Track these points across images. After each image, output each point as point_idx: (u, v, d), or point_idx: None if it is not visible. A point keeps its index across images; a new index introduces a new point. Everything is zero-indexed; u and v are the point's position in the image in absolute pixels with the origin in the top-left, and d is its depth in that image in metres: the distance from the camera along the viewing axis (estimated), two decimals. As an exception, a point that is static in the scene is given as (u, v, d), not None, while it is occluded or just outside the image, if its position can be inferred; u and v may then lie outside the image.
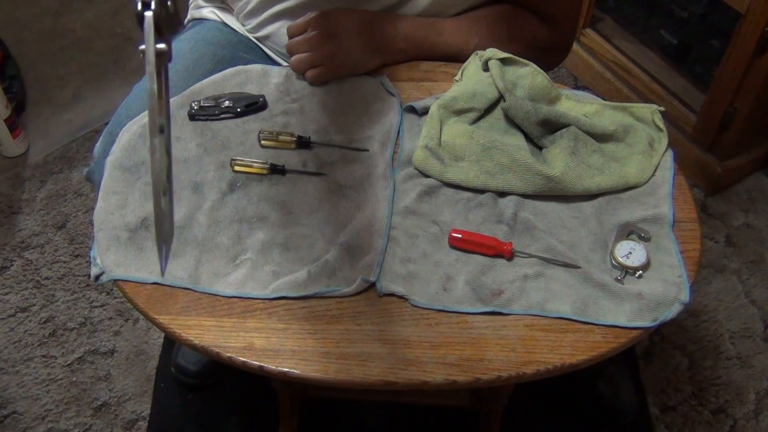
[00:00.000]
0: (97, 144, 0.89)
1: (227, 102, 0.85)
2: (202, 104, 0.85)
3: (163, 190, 0.50)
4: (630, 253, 0.71)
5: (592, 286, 0.69)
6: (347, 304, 0.69)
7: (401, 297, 0.68)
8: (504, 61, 0.85)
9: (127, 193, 0.77)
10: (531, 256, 0.71)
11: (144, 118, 0.85)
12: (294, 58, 0.86)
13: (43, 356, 1.36)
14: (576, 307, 0.67)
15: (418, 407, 1.24)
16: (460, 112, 0.83)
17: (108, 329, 1.39)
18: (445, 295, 0.69)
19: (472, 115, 0.83)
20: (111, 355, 1.35)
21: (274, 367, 0.64)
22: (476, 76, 0.86)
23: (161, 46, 0.50)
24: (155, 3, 0.49)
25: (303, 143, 0.82)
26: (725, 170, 1.57)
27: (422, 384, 0.63)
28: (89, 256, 0.75)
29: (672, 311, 0.67)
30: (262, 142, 0.82)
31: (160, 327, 0.68)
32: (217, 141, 0.83)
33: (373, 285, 0.70)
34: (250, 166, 0.79)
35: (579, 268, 0.70)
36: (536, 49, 0.92)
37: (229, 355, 0.65)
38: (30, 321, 1.40)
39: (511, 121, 0.82)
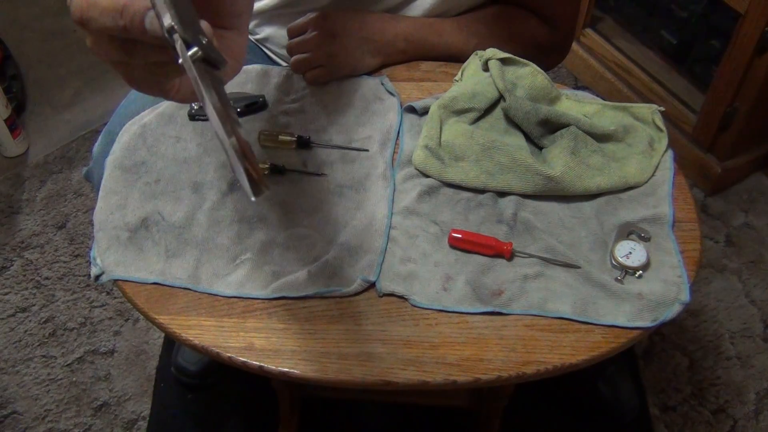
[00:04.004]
0: (96, 144, 0.89)
1: None
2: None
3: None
4: (630, 253, 0.71)
5: (592, 286, 0.69)
6: (347, 304, 0.68)
7: (401, 297, 0.68)
8: (504, 61, 0.85)
9: (127, 193, 0.77)
10: (531, 256, 0.71)
11: (143, 117, 0.85)
12: (294, 59, 0.86)
13: (43, 356, 1.36)
14: (576, 307, 0.67)
15: (418, 407, 1.24)
16: (460, 112, 0.83)
17: (108, 329, 1.39)
18: (445, 295, 0.69)
19: (472, 115, 0.83)
20: (111, 355, 1.36)
21: (274, 367, 0.64)
22: (476, 76, 0.86)
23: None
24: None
25: (303, 143, 0.82)
26: (725, 170, 1.57)
27: (422, 384, 0.63)
28: (89, 256, 0.75)
29: (672, 311, 0.67)
30: (262, 142, 0.82)
31: (160, 327, 0.68)
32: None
33: (373, 285, 0.69)
34: (250, 166, 0.79)
35: (579, 268, 0.70)
36: (536, 49, 0.92)
37: (229, 355, 0.65)
38: (30, 321, 1.40)
39: (511, 121, 0.82)
